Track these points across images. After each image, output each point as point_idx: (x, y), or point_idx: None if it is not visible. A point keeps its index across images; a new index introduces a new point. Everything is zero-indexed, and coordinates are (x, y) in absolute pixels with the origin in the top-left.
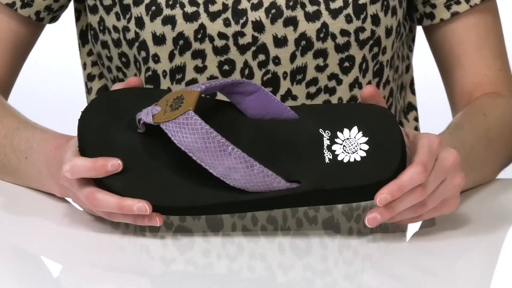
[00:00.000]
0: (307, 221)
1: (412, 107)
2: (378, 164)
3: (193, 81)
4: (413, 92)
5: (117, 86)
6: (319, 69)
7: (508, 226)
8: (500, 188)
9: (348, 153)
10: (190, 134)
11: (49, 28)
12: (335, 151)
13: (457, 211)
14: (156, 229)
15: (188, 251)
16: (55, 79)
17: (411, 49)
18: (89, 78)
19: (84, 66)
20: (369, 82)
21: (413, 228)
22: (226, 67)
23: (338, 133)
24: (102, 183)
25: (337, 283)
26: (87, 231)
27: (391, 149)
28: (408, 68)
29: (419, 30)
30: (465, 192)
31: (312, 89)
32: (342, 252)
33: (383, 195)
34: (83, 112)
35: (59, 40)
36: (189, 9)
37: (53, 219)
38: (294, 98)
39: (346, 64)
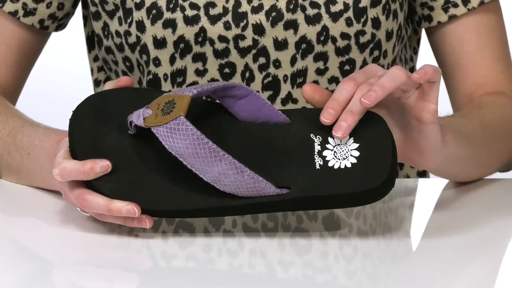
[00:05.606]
0: (307, 218)
1: None
2: (368, 171)
3: (194, 84)
4: None
5: (109, 85)
6: (320, 72)
7: (509, 226)
8: (501, 188)
9: (339, 159)
10: (181, 140)
11: (64, 32)
12: (325, 157)
13: (458, 210)
14: (158, 224)
15: (189, 247)
16: (70, 82)
17: (415, 52)
18: (96, 83)
19: (92, 71)
20: None
21: (413, 226)
22: (226, 70)
23: (329, 139)
24: (92, 185)
25: (337, 280)
26: (87, 226)
27: (382, 157)
28: (412, 70)
29: (424, 32)
30: (465, 191)
31: None
32: (342, 249)
33: (327, 110)
34: (73, 112)
35: (74, 43)
36: (190, 12)
37: (53, 217)
38: (295, 101)
39: (347, 67)
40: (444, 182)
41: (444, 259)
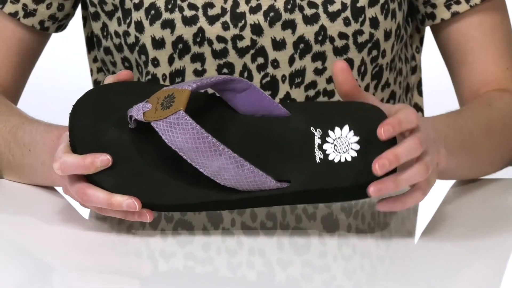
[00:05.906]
0: (306, 217)
1: (418, 108)
2: (368, 165)
3: None
4: (420, 93)
5: (109, 79)
6: (318, 72)
7: (510, 227)
8: (501, 188)
9: (339, 152)
10: (181, 134)
11: (64, 33)
12: (326, 150)
13: (458, 210)
14: (156, 223)
15: (188, 245)
16: (70, 83)
17: (418, 50)
18: (95, 84)
19: (91, 72)
20: (368, 85)
21: (413, 226)
22: (225, 70)
23: (329, 132)
24: (92, 179)
25: (336, 279)
26: (87, 225)
27: (382, 150)
28: (415, 69)
29: (428, 31)
30: (466, 191)
31: (311, 92)
32: (341, 249)
33: (381, 160)
34: (73, 107)
35: (74, 44)
36: (188, 13)
37: (53, 217)
38: (293, 101)
39: None
40: (444, 182)
41: (444, 260)
